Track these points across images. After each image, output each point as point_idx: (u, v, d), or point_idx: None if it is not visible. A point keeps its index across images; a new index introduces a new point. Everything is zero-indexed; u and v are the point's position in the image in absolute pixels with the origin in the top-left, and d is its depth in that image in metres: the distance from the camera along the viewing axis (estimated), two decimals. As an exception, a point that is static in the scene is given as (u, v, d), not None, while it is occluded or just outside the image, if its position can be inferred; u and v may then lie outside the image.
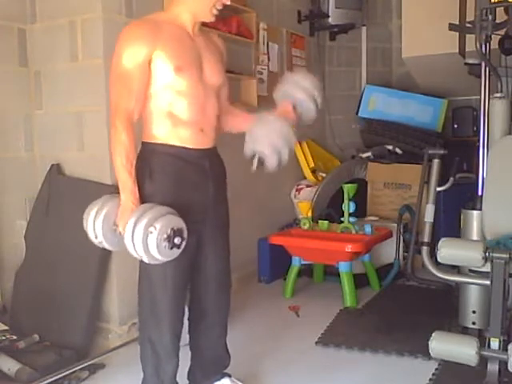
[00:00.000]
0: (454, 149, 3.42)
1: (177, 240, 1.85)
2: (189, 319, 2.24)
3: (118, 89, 1.93)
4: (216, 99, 2.09)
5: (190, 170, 2.02)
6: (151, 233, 1.81)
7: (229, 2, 2.02)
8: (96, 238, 1.95)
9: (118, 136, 1.90)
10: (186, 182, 2.01)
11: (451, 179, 2.91)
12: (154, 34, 1.91)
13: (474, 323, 2.75)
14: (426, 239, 2.76)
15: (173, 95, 1.96)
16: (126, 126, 1.90)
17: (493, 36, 2.81)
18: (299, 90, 2.13)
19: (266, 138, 1.98)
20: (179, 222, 1.88)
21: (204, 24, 2.10)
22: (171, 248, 1.85)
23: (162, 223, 1.82)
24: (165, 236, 1.82)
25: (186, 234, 1.89)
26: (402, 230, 3.95)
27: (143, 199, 1.94)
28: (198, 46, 2.04)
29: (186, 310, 2.18)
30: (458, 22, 3.14)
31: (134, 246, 1.83)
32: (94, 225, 1.93)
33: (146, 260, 1.87)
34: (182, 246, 1.89)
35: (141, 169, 1.95)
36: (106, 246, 1.97)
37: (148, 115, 1.99)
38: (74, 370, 2.54)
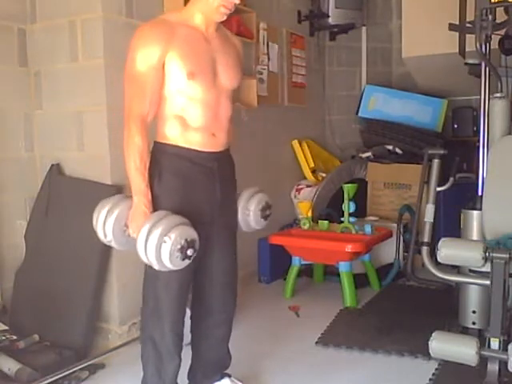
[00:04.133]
0: (454, 149, 3.42)
1: (189, 252, 1.86)
2: (191, 319, 2.24)
3: (131, 91, 1.93)
4: (229, 102, 2.07)
5: (197, 171, 2.02)
6: (165, 242, 1.81)
7: (237, 1, 1.98)
8: (105, 237, 1.95)
9: (132, 138, 1.90)
10: (193, 184, 2.01)
11: (451, 179, 2.91)
12: (168, 35, 1.89)
13: (474, 323, 2.75)
14: (426, 239, 2.76)
15: (186, 101, 1.95)
16: (139, 128, 1.90)
17: (493, 36, 2.82)
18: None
19: None
20: (193, 234, 1.88)
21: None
22: (183, 259, 1.86)
23: (176, 233, 1.82)
24: (178, 247, 1.82)
25: (198, 246, 1.89)
26: (402, 230, 3.95)
27: (152, 200, 1.94)
28: (213, 49, 2.01)
29: (187, 310, 2.18)
30: (458, 22, 3.14)
31: (146, 252, 1.83)
32: (105, 224, 1.93)
33: (156, 267, 1.87)
34: (193, 257, 1.89)
35: (151, 169, 1.95)
36: (114, 245, 1.99)
37: (161, 116, 1.98)
38: (74, 370, 2.54)
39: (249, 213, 2.23)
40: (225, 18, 2.02)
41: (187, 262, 1.88)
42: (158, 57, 1.88)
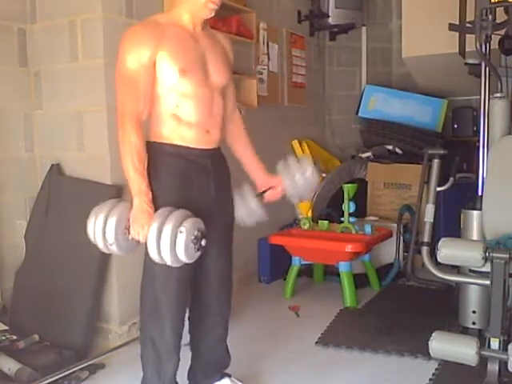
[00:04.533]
0: (454, 149, 3.42)
1: (203, 242, 1.86)
2: (190, 319, 2.24)
3: (124, 91, 1.93)
4: (222, 99, 2.09)
5: (192, 169, 2.02)
6: (181, 232, 1.80)
7: None
8: (106, 241, 1.90)
9: (128, 138, 1.89)
10: (189, 182, 2.01)
11: (451, 179, 2.91)
12: (158, 35, 1.91)
13: (474, 323, 2.75)
14: (426, 239, 2.76)
15: (178, 97, 1.96)
16: (135, 128, 1.90)
17: (493, 36, 2.82)
18: (293, 187, 2.23)
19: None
20: (202, 224, 1.88)
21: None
22: (197, 250, 1.85)
23: (190, 224, 1.83)
24: (192, 237, 1.82)
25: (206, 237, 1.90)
26: (402, 230, 3.95)
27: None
28: (202, 47, 2.03)
29: (187, 310, 2.18)
30: (458, 22, 3.14)
31: (159, 247, 1.82)
32: (105, 229, 1.89)
33: (168, 262, 1.85)
34: (203, 250, 1.89)
35: (148, 169, 1.95)
36: (115, 249, 1.93)
37: (154, 115, 1.98)
38: (74, 370, 2.54)
39: (306, 173, 2.23)
40: (213, 14, 2.04)
41: (198, 254, 1.87)
42: (148, 56, 1.90)
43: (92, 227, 1.91)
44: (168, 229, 1.80)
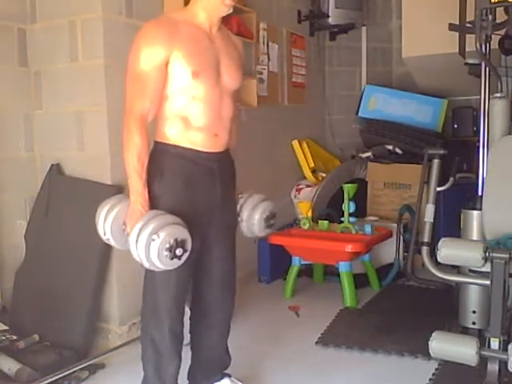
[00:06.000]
0: (454, 149, 3.42)
1: (178, 251, 1.85)
2: (190, 319, 2.24)
3: (133, 89, 1.92)
4: (232, 102, 2.07)
5: (198, 172, 2.01)
6: (153, 240, 1.81)
7: None
8: (104, 234, 1.97)
9: (131, 137, 1.89)
10: (194, 184, 2.01)
11: (451, 179, 2.92)
12: (172, 34, 1.89)
13: (474, 323, 2.75)
14: (426, 239, 2.76)
15: (188, 100, 1.95)
16: (139, 128, 1.89)
17: (493, 36, 2.82)
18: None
19: None
20: (184, 233, 1.87)
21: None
22: (172, 258, 1.85)
23: (165, 232, 1.82)
24: (167, 246, 1.82)
25: (189, 246, 1.89)
26: (402, 230, 3.95)
27: (152, 199, 1.94)
28: (217, 48, 2.01)
29: (187, 310, 2.18)
30: (458, 22, 3.14)
31: (137, 250, 1.84)
32: (104, 222, 1.95)
33: (146, 266, 1.87)
34: (184, 258, 1.88)
35: (151, 169, 1.95)
36: (113, 243, 2.00)
37: (162, 116, 1.97)
38: (74, 370, 2.54)
39: (254, 222, 2.23)
40: (231, 10, 2.00)
41: (177, 261, 1.87)
42: (162, 57, 1.88)
43: (97, 221, 1.98)
44: (145, 234, 1.82)
